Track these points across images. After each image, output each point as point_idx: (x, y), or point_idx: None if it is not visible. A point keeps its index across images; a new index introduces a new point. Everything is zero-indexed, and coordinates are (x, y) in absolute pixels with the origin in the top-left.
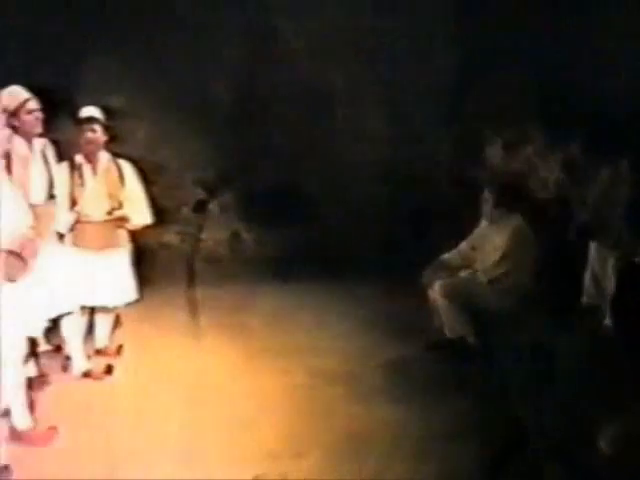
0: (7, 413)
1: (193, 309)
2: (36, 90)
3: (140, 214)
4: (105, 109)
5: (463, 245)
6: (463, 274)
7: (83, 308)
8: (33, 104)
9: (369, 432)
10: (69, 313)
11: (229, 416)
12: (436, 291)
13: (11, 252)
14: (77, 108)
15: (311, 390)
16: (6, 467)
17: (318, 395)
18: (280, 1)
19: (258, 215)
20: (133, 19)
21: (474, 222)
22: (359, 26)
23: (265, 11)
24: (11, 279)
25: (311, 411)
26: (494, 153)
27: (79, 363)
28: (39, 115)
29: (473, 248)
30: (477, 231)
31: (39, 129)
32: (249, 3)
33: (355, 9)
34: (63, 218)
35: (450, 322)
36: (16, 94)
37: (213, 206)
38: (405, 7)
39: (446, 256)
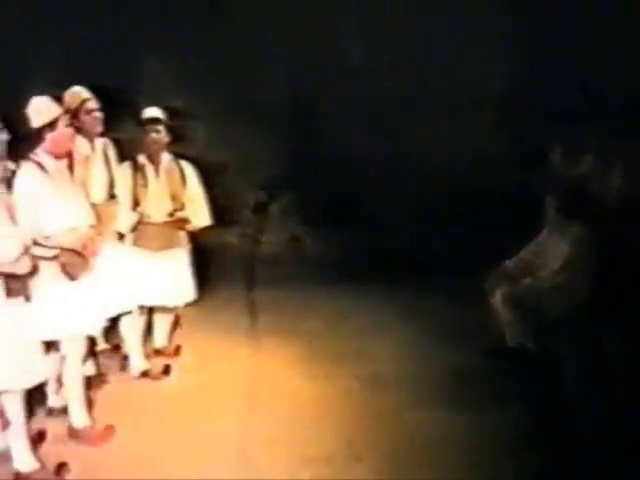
0: (65, 411)
1: (251, 311)
2: (98, 91)
3: (201, 215)
4: (167, 109)
5: (525, 252)
6: (525, 281)
7: (142, 308)
8: (92, 104)
9: (427, 439)
10: (128, 313)
11: (285, 419)
12: (498, 298)
13: (72, 251)
14: (139, 108)
15: (369, 396)
16: (63, 465)
17: (376, 401)
18: (340, 2)
19: (318, 218)
20: (195, 20)
21: (536, 229)
22: (417, 33)
23: (325, 12)
24: (72, 278)
25: (368, 417)
26: (555, 160)
27: (137, 363)
28: (98, 115)
29: (535, 256)
30: (539, 238)
31: (100, 129)
32: (309, 5)
33: (413, 14)
34: (125, 218)
35: (511, 329)
36: (77, 94)
37: (273, 208)
38: (462, 14)
39: (508, 264)
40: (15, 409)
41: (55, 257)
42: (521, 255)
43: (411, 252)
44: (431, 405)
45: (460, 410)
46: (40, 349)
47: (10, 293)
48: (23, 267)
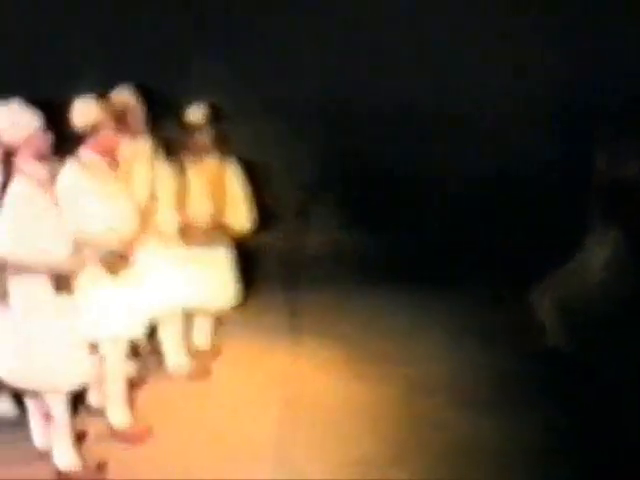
0: (106, 411)
1: (292, 313)
2: (143, 91)
3: (243, 216)
4: (211, 110)
5: (572, 257)
6: (567, 284)
7: (184, 309)
8: (137, 105)
9: (468, 443)
10: (170, 313)
11: (324, 421)
12: (539, 300)
13: (114, 251)
14: (183, 108)
15: (409, 399)
16: (104, 464)
17: (417, 404)
18: (382, 8)
19: (360, 219)
20: (240, 20)
21: (579, 232)
22: (455, 32)
23: (365, 14)
24: (113, 278)
25: (407, 419)
26: (601, 163)
27: (178, 363)
28: (143, 116)
29: (578, 260)
30: (585, 243)
31: (143, 129)
32: (350, 8)
33: (450, 13)
34: (168, 218)
35: (554, 333)
36: (122, 95)
37: (315, 209)
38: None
39: (553, 268)
40: (60, 409)
41: (97, 257)
42: (568, 259)
43: (451, 254)
44: (469, 408)
45: (498, 413)
46: (85, 349)
47: (57, 292)
48: (70, 266)
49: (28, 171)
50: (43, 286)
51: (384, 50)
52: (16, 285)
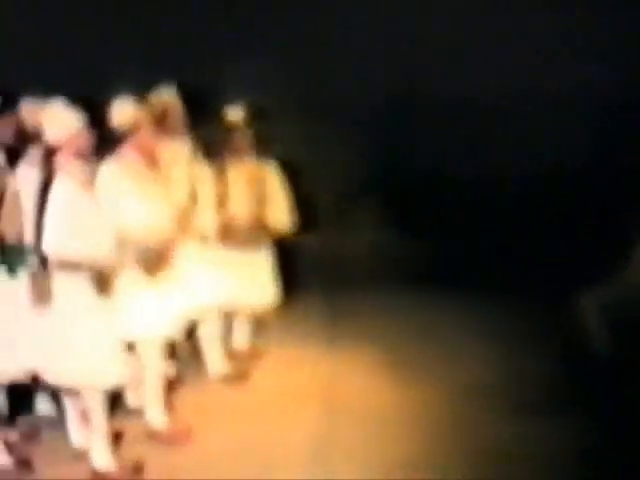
0: (143, 412)
1: (332, 315)
2: (183, 90)
3: (283, 217)
4: (251, 110)
5: (618, 261)
6: (612, 288)
7: (222, 310)
8: (177, 105)
9: (510, 447)
10: (208, 314)
11: (363, 426)
12: (587, 306)
13: (153, 250)
14: (223, 109)
15: (451, 403)
16: (140, 465)
17: (458, 409)
18: (429, 4)
19: (401, 221)
20: (278, 19)
21: (624, 236)
22: (511, 33)
23: (411, 13)
24: (152, 277)
25: (447, 425)
26: None
27: (216, 365)
28: (183, 119)
29: (625, 265)
30: (632, 248)
31: (183, 130)
32: (398, 5)
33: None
34: (208, 219)
35: (600, 338)
36: (162, 96)
37: (355, 210)
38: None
39: (600, 273)
40: (97, 408)
41: (136, 257)
42: (611, 262)
43: (495, 258)
44: (512, 413)
45: (541, 418)
46: (123, 349)
47: (100, 291)
48: (112, 265)
49: (70, 170)
50: (84, 285)
51: (433, 48)
52: (58, 284)
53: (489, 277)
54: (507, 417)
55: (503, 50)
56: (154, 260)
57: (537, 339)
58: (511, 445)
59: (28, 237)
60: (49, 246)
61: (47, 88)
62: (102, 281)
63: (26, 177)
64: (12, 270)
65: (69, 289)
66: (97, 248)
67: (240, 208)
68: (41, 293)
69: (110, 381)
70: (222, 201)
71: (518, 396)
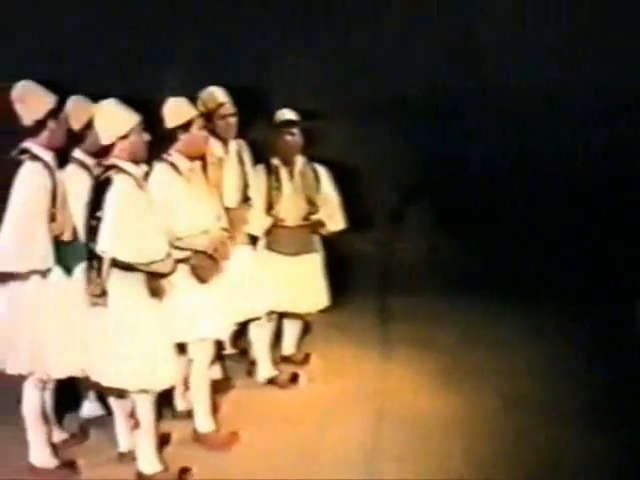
0: (190, 415)
1: (384, 320)
2: (233, 91)
3: (335, 220)
4: (301, 111)
5: None
6: None
7: (272, 313)
8: (228, 108)
9: (562, 460)
10: (258, 317)
11: (414, 435)
12: None
13: (204, 254)
14: (273, 110)
15: (507, 416)
16: (187, 469)
17: (511, 420)
18: (478, 5)
19: (456, 225)
20: (327, 20)
21: None
22: (556, 30)
23: (462, 14)
24: (202, 281)
25: (503, 437)
26: None
27: (264, 369)
28: (233, 119)
29: None
30: None
31: (234, 132)
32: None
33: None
34: (258, 221)
35: None
36: (213, 97)
37: (409, 213)
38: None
39: None
40: (146, 410)
41: (186, 259)
42: None
43: (553, 266)
44: (572, 426)
45: (602, 431)
46: (173, 351)
47: (152, 293)
48: (166, 267)
49: (126, 170)
50: (139, 286)
51: (481, 45)
52: (115, 284)
53: (544, 283)
54: (564, 430)
55: (552, 41)
56: (205, 263)
57: (595, 349)
58: (562, 457)
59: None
60: (105, 246)
61: (98, 88)
62: (155, 282)
63: (76, 177)
64: (68, 269)
65: (123, 289)
66: (151, 249)
67: (291, 210)
68: (96, 293)
69: (160, 383)
70: (272, 203)
71: (572, 409)
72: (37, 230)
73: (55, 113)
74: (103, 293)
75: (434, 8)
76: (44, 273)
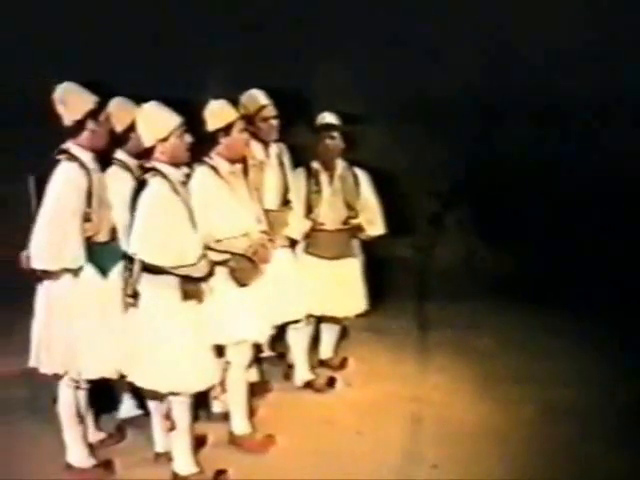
0: (226, 417)
1: (422, 326)
2: (274, 94)
3: (374, 224)
4: (342, 115)
5: None
6: None
7: (310, 317)
8: (269, 111)
9: (600, 473)
10: (296, 321)
11: (451, 442)
12: None
13: (243, 256)
14: (313, 114)
15: (544, 425)
16: (223, 471)
17: (551, 431)
18: (516, 11)
19: (496, 231)
20: (368, 24)
21: None
22: (596, 34)
23: (496, 14)
24: (241, 284)
25: (541, 447)
26: None
27: (301, 373)
28: (275, 122)
29: None
30: None
31: (275, 136)
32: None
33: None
34: (297, 225)
35: None
36: (254, 99)
37: (448, 219)
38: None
39: None
40: (182, 412)
41: (226, 262)
42: None
43: (594, 276)
44: (609, 439)
45: (634, 444)
46: (211, 353)
47: (185, 296)
48: (201, 270)
49: (162, 173)
50: (170, 289)
51: (527, 47)
52: (146, 286)
53: (587, 296)
54: (602, 442)
55: (596, 50)
56: (245, 266)
57: (632, 359)
58: (598, 466)
59: (120, 239)
60: (135, 248)
61: (140, 89)
62: (189, 285)
63: (118, 178)
64: (103, 270)
65: (153, 291)
66: (180, 254)
67: (329, 214)
68: (129, 294)
69: (198, 385)
70: (311, 206)
71: (613, 421)
72: (69, 229)
73: (95, 114)
74: (135, 294)
75: (478, 10)
76: (76, 272)
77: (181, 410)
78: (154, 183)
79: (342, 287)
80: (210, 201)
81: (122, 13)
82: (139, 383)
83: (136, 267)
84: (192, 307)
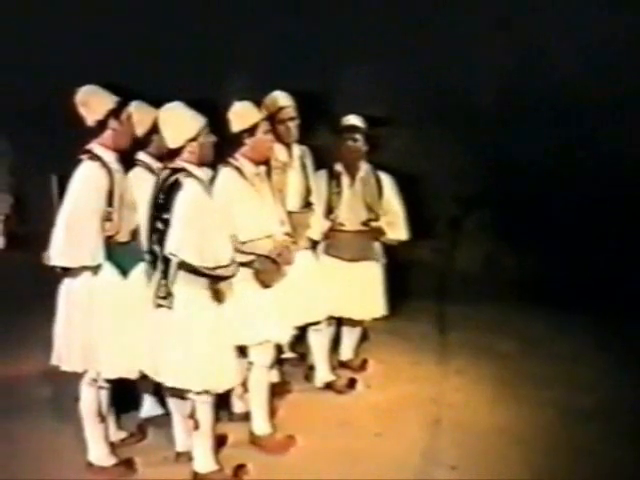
0: (247, 417)
1: (442, 329)
2: (297, 96)
3: (397, 228)
4: (365, 117)
5: None
6: None
7: (331, 318)
8: (290, 112)
9: (621, 477)
10: (317, 322)
11: (471, 445)
12: None
13: (267, 258)
14: (337, 115)
15: (564, 428)
16: (242, 466)
17: (572, 434)
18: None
19: (517, 235)
20: (391, 26)
21: None
22: (623, 39)
23: (528, 22)
24: (265, 285)
25: (561, 450)
26: None
27: (322, 374)
28: (292, 125)
29: None
30: None
31: (296, 137)
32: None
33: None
34: (317, 225)
35: None
36: (274, 101)
37: (468, 222)
38: None
39: None
40: (205, 412)
41: (249, 263)
42: None
43: (614, 278)
44: (631, 442)
45: None
46: (234, 353)
47: (215, 296)
48: (230, 271)
49: (194, 174)
50: (202, 289)
51: (544, 49)
52: (182, 287)
53: (606, 293)
54: (623, 445)
55: (614, 48)
56: (268, 267)
57: None
58: (623, 474)
59: (142, 239)
60: (174, 249)
61: (162, 91)
62: (216, 286)
63: (141, 179)
64: (123, 270)
65: (188, 292)
66: (217, 254)
67: (351, 216)
68: (161, 294)
69: (222, 385)
70: (331, 207)
71: (632, 424)
72: (88, 227)
73: (116, 113)
74: (168, 295)
75: (502, 12)
76: (95, 270)
77: (204, 410)
78: (189, 184)
79: (360, 290)
80: (235, 202)
81: (143, 16)
82: (170, 383)
83: (172, 268)
84: (219, 307)
